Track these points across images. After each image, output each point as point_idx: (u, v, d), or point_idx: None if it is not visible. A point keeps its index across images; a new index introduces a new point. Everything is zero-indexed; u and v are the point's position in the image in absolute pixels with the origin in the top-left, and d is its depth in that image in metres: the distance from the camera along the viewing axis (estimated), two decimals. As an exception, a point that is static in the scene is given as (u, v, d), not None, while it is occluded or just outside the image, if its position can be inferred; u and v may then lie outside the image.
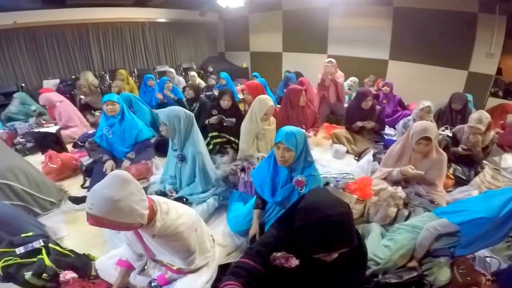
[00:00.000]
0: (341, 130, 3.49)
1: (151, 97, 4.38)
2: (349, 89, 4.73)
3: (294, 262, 0.98)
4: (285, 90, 4.92)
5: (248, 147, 2.63)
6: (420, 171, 2.01)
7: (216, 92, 4.71)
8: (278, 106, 3.65)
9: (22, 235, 1.33)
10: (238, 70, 7.36)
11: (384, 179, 2.21)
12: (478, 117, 2.48)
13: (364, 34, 5.55)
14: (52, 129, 2.96)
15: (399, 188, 1.99)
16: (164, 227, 1.10)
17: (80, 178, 2.57)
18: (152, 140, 2.95)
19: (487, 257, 1.62)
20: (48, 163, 2.50)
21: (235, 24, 7.33)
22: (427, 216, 1.72)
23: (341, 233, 0.88)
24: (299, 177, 1.59)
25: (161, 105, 4.03)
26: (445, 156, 2.11)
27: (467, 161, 2.70)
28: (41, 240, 1.31)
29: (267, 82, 4.47)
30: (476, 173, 2.62)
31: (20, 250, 1.25)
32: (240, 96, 4.65)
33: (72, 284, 1.27)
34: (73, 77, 5.38)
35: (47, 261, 1.25)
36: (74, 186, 2.48)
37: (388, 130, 3.67)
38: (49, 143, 2.83)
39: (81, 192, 2.34)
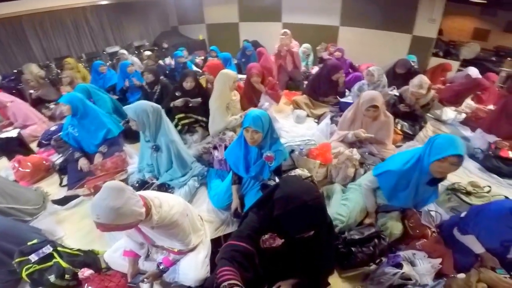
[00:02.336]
0: (300, 97, 3.77)
1: (104, 83, 4.23)
2: (307, 55, 5.00)
3: (280, 240, 1.19)
4: (243, 60, 5.12)
5: (224, 119, 2.77)
6: (370, 134, 2.36)
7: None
8: (240, 76, 3.79)
9: (28, 243, 1.43)
10: (195, 43, 7.21)
11: (342, 141, 2.53)
12: (419, 83, 2.84)
13: (316, 2, 5.70)
14: (13, 132, 2.84)
15: (354, 150, 2.32)
16: (160, 219, 1.27)
17: (55, 177, 2.59)
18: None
19: (431, 211, 1.89)
20: (19, 168, 2.47)
21: None
22: (370, 174, 1.95)
23: (318, 215, 1.08)
24: (268, 153, 1.82)
25: (125, 91, 3.97)
26: (391, 118, 2.46)
27: (412, 118, 3.11)
28: (49, 246, 1.43)
29: (225, 52, 4.58)
30: (421, 128, 3.07)
31: (33, 257, 1.36)
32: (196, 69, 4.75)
33: (92, 279, 1.42)
34: (15, 71, 4.93)
35: (63, 263, 1.39)
36: (52, 186, 2.51)
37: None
38: (14, 148, 2.75)
39: (61, 191, 2.38)
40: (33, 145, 3.09)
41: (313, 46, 5.16)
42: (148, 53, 5.30)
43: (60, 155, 2.74)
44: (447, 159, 1.45)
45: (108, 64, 5.68)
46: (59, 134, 2.86)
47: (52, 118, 3.74)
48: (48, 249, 1.41)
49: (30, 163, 2.54)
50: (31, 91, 4.07)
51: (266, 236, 1.19)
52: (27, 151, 2.84)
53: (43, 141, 3.05)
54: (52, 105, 3.93)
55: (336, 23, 5.66)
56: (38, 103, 3.98)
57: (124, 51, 5.32)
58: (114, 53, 5.99)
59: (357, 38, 5.50)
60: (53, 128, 3.13)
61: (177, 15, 7.62)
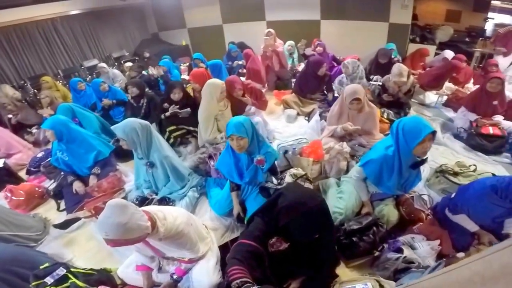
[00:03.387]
0: (289, 96, 3.90)
1: (86, 100, 4.17)
2: (290, 53, 5.13)
3: (286, 244, 1.27)
4: (230, 63, 5.19)
5: (211, 132, 2.82)
6: (357, 126, 2.50)
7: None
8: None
9: (41, 267, 1.48)
10: (178, 49, 7.19)
11: (332, 136, 2.66)
12: (398, 72, 3.02)
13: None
14: (-2, 163, 2.84)
15: (344, 144, 2.46)
16: (167, 230, 1.35)
17: (51, 203, 2.60)
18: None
19: (422, 195, 2.01)
20: (13, 197, 2.47)
21: (165, 2, 6.92)
22: (357, 165, 2.04)
23: (322, 219, 1.16)
24: (258, 156, 1.92)
25: (106, 109, 3.92)
26: (375, 108, 2.62)
27: (397, 105, 3.29)
28: (61, 267, 1.48)
29: (212, 56, 4.61)
30: (406, 114, 3.24)
31: (49, 280, 1.41)
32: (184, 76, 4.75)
33: (110, 296, 1.50)
34: (-13, 94, 4.80)
35: (80, 283, 1.45)
36: (50, 212, 2.53)
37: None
38: (2, 178, 2.75)
39: (61, 216, 2.41)
40: (22, 173, 3.08)
41: (298, 42, 5.30)
42: (129, 64, 5.27)
43: (52, 180, 2.76)
44: (425, 139, 1.61)
45: (88, 79, 5.65)
46: (48, 160, 2.86)
47: (36, 143, 3.67)
48: (61, 271, 1.47)
49: (23, 191, 2.54)
50: (10, 115, 3.96)
51: (273, 239, 1.27)
52: (17, 180, 2.85)
53: (31, 169, 3.03)
54: (34, 130, 3.84)
55: (317, 17, 5.81)
56: (18, 128, 3.87)
57: (104, 64, 5.25)
58: (93, 67, 5.93)
59: (338, 31, 5.68)
60: (40, 155, 3.11)
61: (156, 21, 7.55)
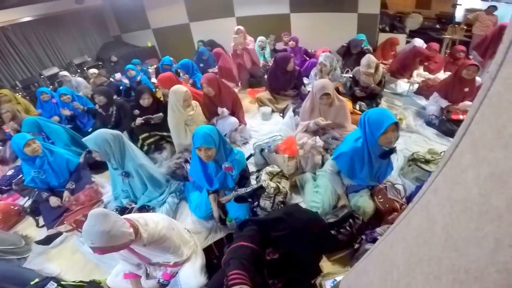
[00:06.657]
0: (263, 93, 4.14)
1: (56, 111, 4.21)
2: (262, 48, 5.38)
3: (277, 253, 1.41)
4: (201, 65, 5.37)
5: (184, 138, 2.97)
6: (328, 121, 2.76)
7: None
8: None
9: (31, 283, 1.61)
10: (144, 51, 7.30)
11: (306, 131, 2.90)
12: (367, 63, 3.30)
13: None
14: (-36, 184, 2.90)
15: (317, 138, 2.70)
16: (149, 236, 1.50)
17: (29, 220, 2.71)
18: (81, 159, 3.00)
19: (395, 184, 2.11)
20: (-12, 217, 2.53)
21: (125, 3, 6.97)
22: (330, 159, 2.21)
23: (324, 237, 1.31)
24: (226, 164, 2.12)
25: (72, 119, 4.03)
26: (345, 102, 2.87)
27: (369, 96, 3.57)
28: (52, 281, 1.62)
29: (181, 56, 4.79)
30: (378, 105, 3.53)
31: None
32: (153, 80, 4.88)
33: (102, 306, 1.63)
34: None
35: None
36: (30, 228, 2.62)
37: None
38: (-28, 199, 2.82)
39: (41, 232, 2.51)
40: (-8, 193, 3.13)
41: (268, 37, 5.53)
42: (94, 70, 5.29)
43: (27, 197, 2.85)
44: (388, 130, 1.76)
45: (49, 88, 5.64)
46: (20, 177, 2.96)
47: (3, 161, 3.70)
48: (52, 285, 1.61)
49: (-2, 210, 2.62)
50: (-32, 134, 3.98)
51: (269, 250, 1.41)
52: (-13, 200, 2.91)
53: (2, 187, 3.11)
54: (-4, 146, 3.88)
55: (286, 10, 6.08)
56: (-22, 147, 3.85)
57: (66, 73, 5.26)
58: (54, 76, 5.93)
59: (308, 24, 5.97)
60: (9, 173, 3.20)
61: (118, 23, 7.61)
